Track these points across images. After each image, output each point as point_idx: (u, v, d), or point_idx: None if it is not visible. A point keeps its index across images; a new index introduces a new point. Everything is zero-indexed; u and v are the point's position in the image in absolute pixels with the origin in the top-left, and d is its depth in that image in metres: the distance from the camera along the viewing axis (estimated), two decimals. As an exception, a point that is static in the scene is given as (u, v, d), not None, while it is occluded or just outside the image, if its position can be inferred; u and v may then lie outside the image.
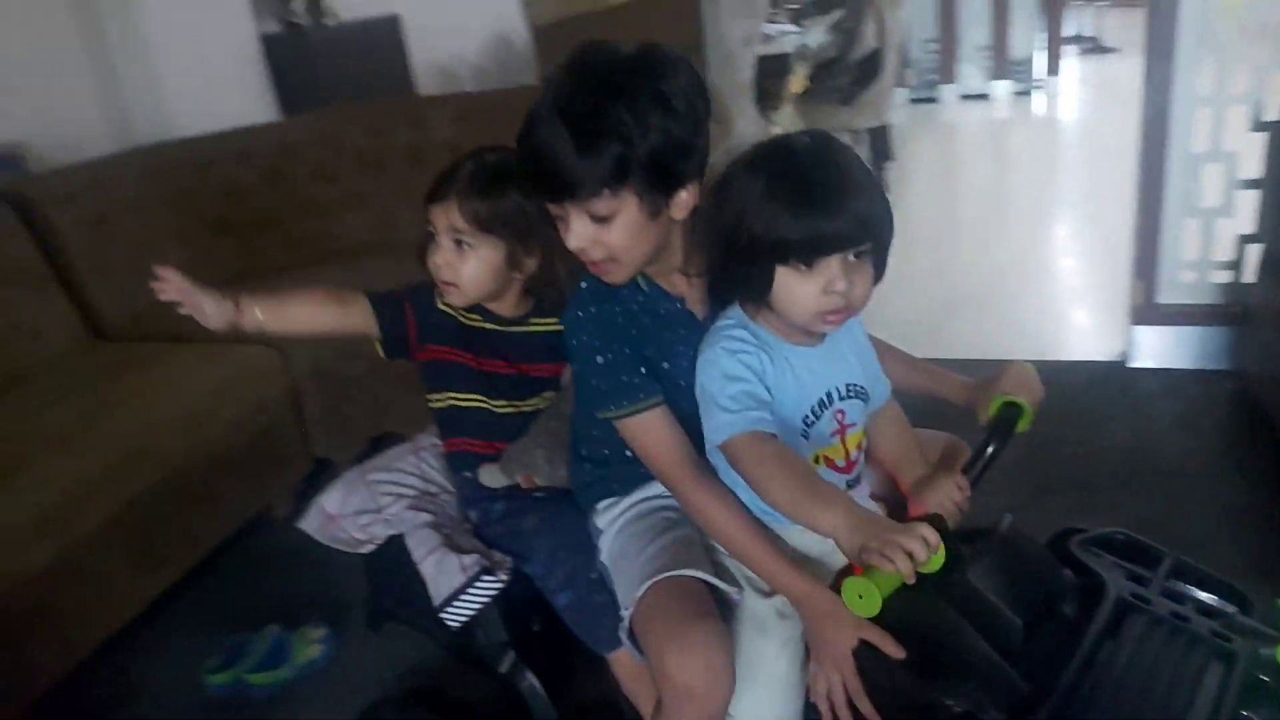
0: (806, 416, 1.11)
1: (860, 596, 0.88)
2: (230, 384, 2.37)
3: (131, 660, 2.10)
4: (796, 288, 1.02)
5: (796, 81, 4.41)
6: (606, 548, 1.24)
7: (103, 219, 2.72)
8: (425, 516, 1.37)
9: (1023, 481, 2.40)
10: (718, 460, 1.11)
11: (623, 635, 1.16)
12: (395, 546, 1.38)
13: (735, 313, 1.11)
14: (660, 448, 1.14)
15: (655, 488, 1.24)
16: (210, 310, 1.29)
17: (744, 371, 1.06)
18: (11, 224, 2.53)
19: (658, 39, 1.09)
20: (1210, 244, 2.79)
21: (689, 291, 1.18)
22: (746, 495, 1.11)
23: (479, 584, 1.29)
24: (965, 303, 3.60)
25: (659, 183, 1.07)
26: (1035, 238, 4.26)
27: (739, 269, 1.05)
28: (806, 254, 1.00)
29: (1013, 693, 0.98)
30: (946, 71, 6.87)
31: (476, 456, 1.39)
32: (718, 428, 1.06)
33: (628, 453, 1.20)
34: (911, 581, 0.88)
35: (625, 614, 1.15)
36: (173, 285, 1.28)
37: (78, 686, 1.98)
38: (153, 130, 3.10)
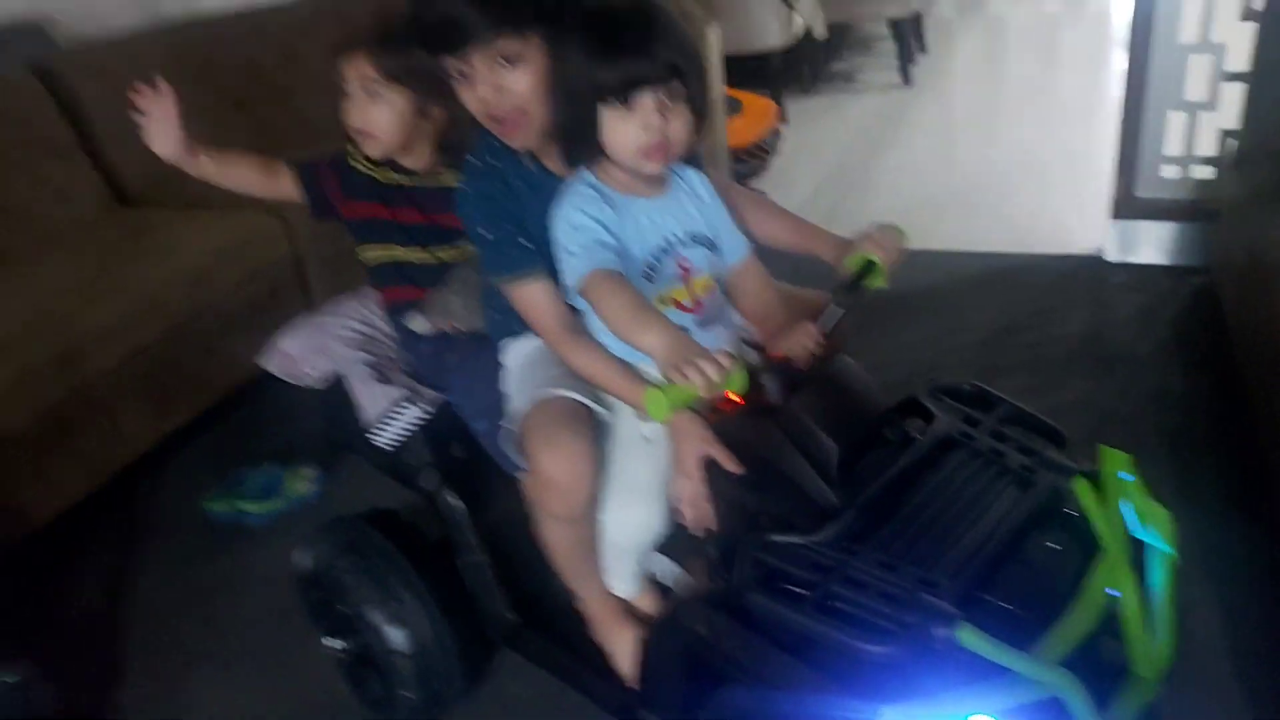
0: (649, 261, 1.26)
1: (654, 403, 1.04)
2: (237, 246, 2.57)
3: (142, 493, 2.37)
4: (618, 126, 1.17)
5: (816, -32, 4.35)
6: (509, 381, 1.41)
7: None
8: (363, 355, 1.56)
9: (980, 362, 2.52)
10: (582, 305, 1.27)
11: (505, 446, 1.34)
12: (344, 384, 1.58)
13: (582, 174, 1.26)
14: (538, 312, 1.30)
15: None
16: (169, 141, 1.51)
17: (588, 221, 1.21)
18: (40, 96, 2.73)
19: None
20: (1193, 138, 2.79)
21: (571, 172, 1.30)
22: (611, 340, 1.26)
23: (403, 411, 1.49)
24: (961, 197, 3.64)
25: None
26: (1048, 134, 4.22)
27: (571, 115, 1.19)
28: (621, 92, 1.14)
29: (821, 503, 1.14)
30: (998, -42, 6.60)
31: (405, 304, 1.56)
32: (569, 272, 1.22)
33: None
34: (704, 394, 1.04)
35: (511, 427, 1.33)
36: (155, 99, 1.49)
37: (92, 513, 2.24)
38: (177, 6, 3.25)
